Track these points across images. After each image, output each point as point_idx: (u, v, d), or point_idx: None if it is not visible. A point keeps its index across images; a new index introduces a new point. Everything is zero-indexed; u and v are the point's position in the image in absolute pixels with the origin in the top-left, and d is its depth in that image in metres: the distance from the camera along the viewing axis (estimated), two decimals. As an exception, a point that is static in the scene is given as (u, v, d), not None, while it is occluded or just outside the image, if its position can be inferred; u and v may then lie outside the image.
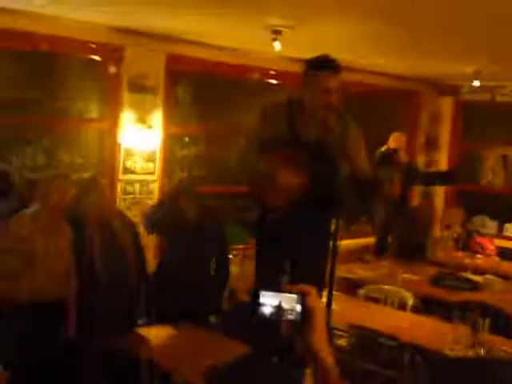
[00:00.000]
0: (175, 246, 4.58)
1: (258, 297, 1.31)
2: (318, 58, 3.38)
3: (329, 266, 3.17)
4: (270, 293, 1.32)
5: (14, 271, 3.75)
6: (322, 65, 3.35)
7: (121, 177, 5.77)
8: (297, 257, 3.55)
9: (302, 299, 1.30)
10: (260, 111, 3.59)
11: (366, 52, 6.24)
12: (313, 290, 1.32)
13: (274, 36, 5.10)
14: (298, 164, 3.28)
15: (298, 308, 1.30)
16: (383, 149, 7.17)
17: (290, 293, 1.31)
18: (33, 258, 3.78)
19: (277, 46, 5.17)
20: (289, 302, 1.31)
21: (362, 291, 5.13)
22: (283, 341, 1.38)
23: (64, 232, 3.97)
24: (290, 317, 1.30)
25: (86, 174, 5.09)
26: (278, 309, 1.31)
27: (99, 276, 4.06)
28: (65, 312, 3.92)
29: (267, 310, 1.32)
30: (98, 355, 3.76)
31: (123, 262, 4.27)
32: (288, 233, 3.47)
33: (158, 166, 6.05)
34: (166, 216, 4.62)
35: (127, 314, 4.31)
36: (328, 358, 1.29)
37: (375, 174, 3.49)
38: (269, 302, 1.32)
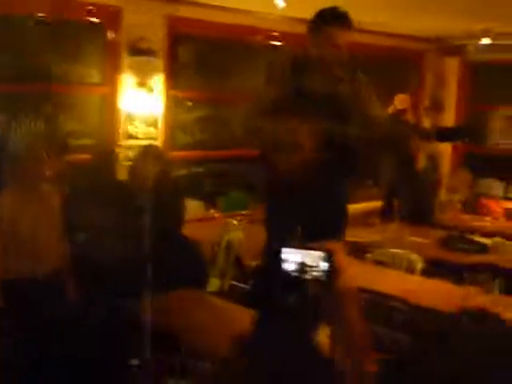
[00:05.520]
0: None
1: (279, 253, 1.21)
2: (328, 10, 3.18)
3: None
4: (292, 249, 1.22)
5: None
6: (333, 18, 3.17)
7: (122, 142, 5.66)
8: (311, 219, 3.44)
9: (329, 257, 1.20)
10: (265, 71, 3.47)
11: (368, 10, 6.03)
12: (340, 249, 1.22)
13: (276, -8, 4.97)
14: (309, 121, 3.14)
15: (324, 266, 1.20)
16: (390, 110, 7.02)
17: (314, 250, 1.21)
18: (17, 238, 3.65)
19: (279, 3, 5.02)
20: (313, 258, 1.20)
21: (369, 255, 5.05)
22: (304, 299, 1.25)
23: (49, 203, 3.80)
24: (315, 274, 1.20)
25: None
26: (302, 265, 1.20)
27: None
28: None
29: (290, 266, 1.21)
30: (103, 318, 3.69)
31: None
32: (301, 194, 3.35)
33: (160, 130, 5.94)
34: None
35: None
36: (357, 320, 1.20)
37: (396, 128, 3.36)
38: (291, 258, 1.21)
